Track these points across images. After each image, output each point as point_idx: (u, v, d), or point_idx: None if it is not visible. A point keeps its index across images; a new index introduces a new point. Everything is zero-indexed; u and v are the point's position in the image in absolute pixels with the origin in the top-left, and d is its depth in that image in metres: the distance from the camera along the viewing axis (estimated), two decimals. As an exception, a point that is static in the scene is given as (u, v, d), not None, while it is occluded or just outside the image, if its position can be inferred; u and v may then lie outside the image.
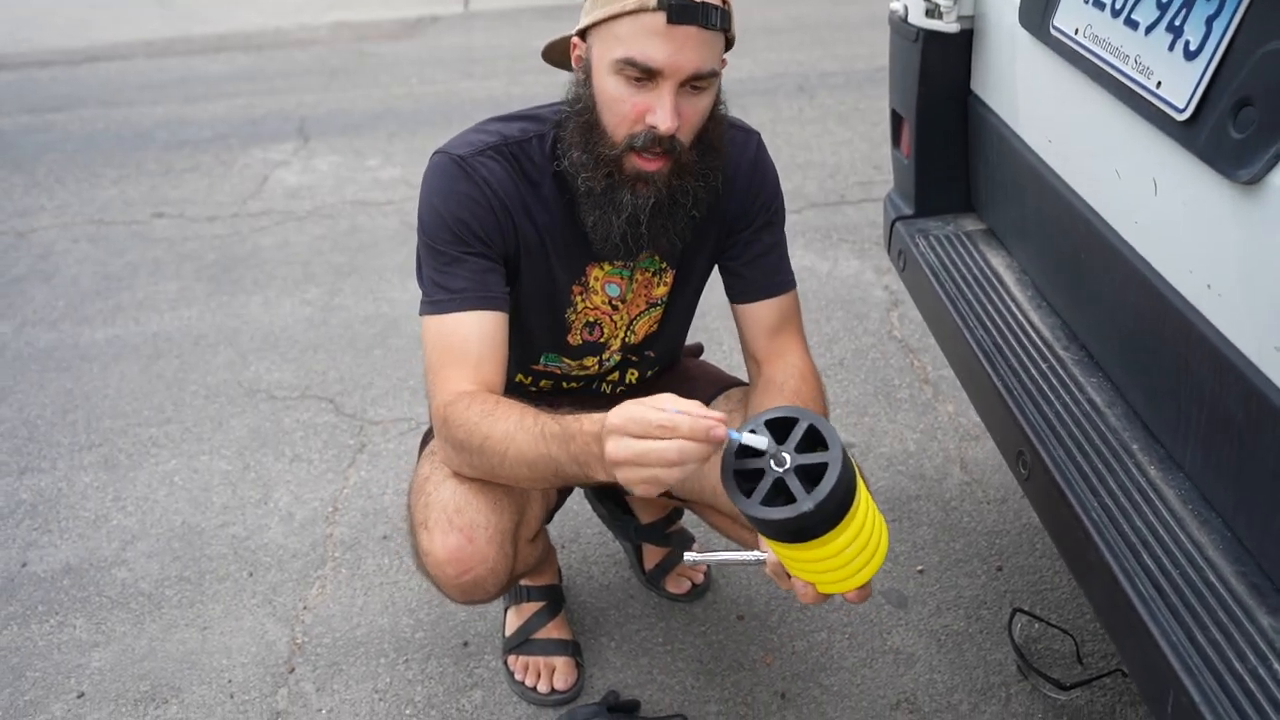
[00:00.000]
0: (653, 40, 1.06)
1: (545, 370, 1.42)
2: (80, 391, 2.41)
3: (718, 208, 1.30)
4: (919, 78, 1.63)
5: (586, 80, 1.15)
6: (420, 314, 1.23)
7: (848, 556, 0.92)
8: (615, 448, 0.91)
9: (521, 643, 1.60)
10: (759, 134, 1.35)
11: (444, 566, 1.21)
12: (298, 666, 1.65)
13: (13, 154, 3.96)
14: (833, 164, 3.48)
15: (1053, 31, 1.34)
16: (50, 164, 3.83)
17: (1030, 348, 1.40)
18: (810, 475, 0.87)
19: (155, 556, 1.89)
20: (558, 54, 1.26)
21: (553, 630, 1.61)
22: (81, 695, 1.61)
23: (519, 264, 1.27)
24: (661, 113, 1.09)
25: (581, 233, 1.25)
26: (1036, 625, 1.66)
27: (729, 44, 1.16)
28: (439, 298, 1.21)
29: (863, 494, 0.93)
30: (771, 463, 0.88)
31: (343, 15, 6.01)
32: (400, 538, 1.90)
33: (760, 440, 0.88)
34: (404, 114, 4.17)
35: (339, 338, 2.58)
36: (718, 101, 1.20)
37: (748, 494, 0.88)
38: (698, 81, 1.11)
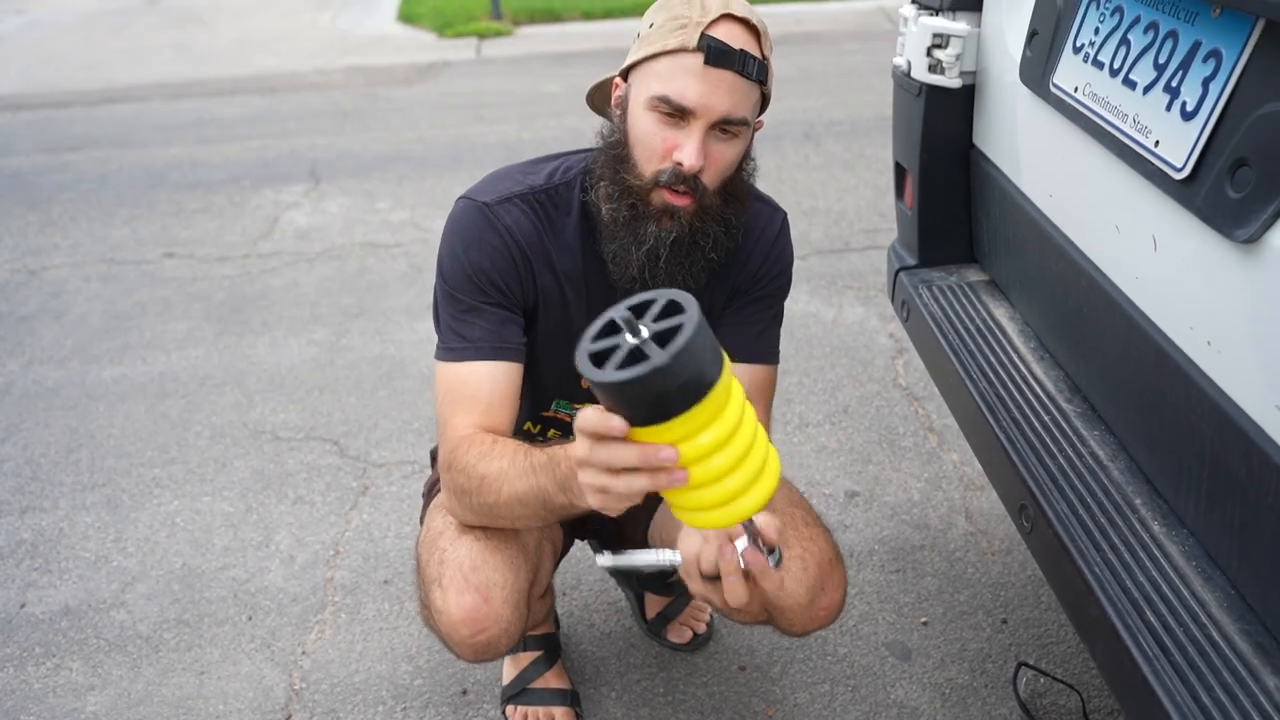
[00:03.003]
0: (689, 80, 1.10)
1: (555, 417, 1.42)
2: (85, 430, 2.42)
3: (731, 271, 1.30)
4: (922, 131, 1.65)
5: (622, 116, 1.18)
6: (435, 358, 1.24)
7: (709, 447, 0.83)
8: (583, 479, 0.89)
9: (519, 692, 1.58)
10: (785, 213, 1.36)
11: (458, 627, 1.19)
12: (295, 713, 1.63)
13: (29, 193, 4.02)
14: (838, 211, 3.51)
15: (1053, 89, 1.36)
16: (65, 203, 3.88)
17: (1033, 400, 1.40)
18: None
19: (154, 599, 1.89)
20: (600, 98, 1.29)
21: (550, 679, 1.59)
22: (76, 739, 1.60)
23: (536, 314, 1.28)
24: (688, 149, 1.12)
25: (605, 279, 1.25)
26: (1042, 680, 1.64)
27: (765, 103, 1.19)
28: (454, 345, 1.22)
29: (735, 393, 0.85)
30: (627, 335, 0.82)
31: (357, 60, 6.12)
32: (400, 582, 1.89)
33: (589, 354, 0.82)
34: (415, 157, 4.22)
35: (345, 379, 2.59)
36: (747, 157, 1.21)
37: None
38: (728, 126, 1.13)
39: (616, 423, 0.81)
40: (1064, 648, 1.71)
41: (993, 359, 1.50)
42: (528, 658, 1.61)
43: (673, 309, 0.83)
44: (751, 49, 1.12)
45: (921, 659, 1.70)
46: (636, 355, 0.81)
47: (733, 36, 1.10)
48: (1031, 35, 1.44)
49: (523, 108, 4.83)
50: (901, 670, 1.68)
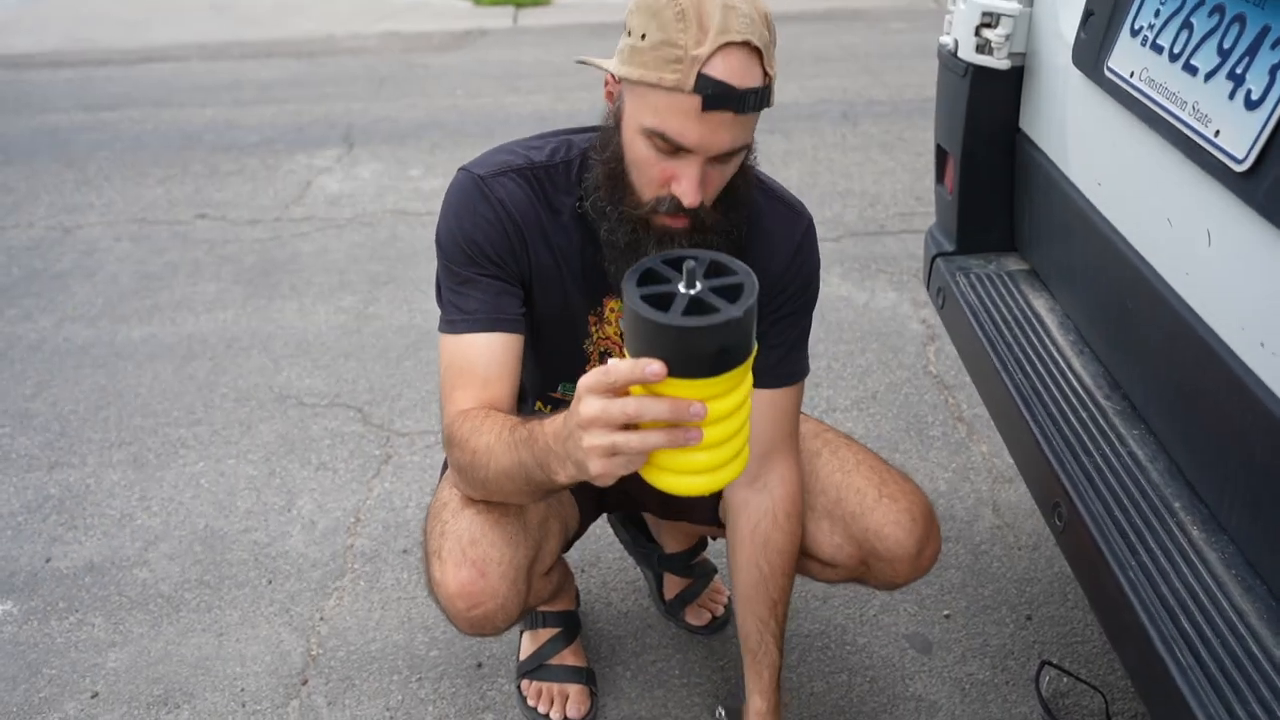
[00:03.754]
0: (686, 122, 1.03)
1: (564, 399, 1.40)
2: (114, 389, 2.44)
3: None
4: (966, 114, 1.60)
5: (617, 128, 1.13)
6: (439, 331, 1.23)
7: (730, 407, 0.84)
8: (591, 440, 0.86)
9: (535, 668, 1.58)
10: (810, 218, 1.30)
11: (454, 600, 1.20)
12: (311, 678, 1.64)
13: (66, 150, 4.04)
14: (874, 193, 3.45)
15: (1107, 73, 1.31)
16: (100, 162, 3.90)
17: (1070, 395, 1.36)
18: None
19: (177, 559, 1.90)
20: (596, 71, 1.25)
21: (568, 657, 1.58)
22: (95, 695, 1.62)
23: (532, 290, 1.26)
24: (687, 185, 1.07)
25: (600, 265, 1.23)
26: (1065, 679, 1.61)
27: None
28: (453, 317, 1.21)
29: (745, 392, 0.86)
30: (681, 285, 0.82)
31: (393, 25, 6.09)
32: (420, 552, 1.89)
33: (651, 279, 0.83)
34: (448, 125, 4.20)
35: (371, 347, 2.59)
36: (748, 155, 1.16)
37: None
38: (729, 155, 1.09)
39: (656, 367, 0.80)
40: (1089, 648, 1.68)
41: (1030, 351, 1.46)
42: (547, 634, 1.60)
43: (719, 270, 0.84)
44: (753, 77, 1.02)
45: (942, 653, 1.67)
46: (700, 306, 0.81)
47: (732, 71, 1.01)
48: (1087, 16, 1.39)
49: (558, 79, 4.78)
50: (921, 663, 1.65)
